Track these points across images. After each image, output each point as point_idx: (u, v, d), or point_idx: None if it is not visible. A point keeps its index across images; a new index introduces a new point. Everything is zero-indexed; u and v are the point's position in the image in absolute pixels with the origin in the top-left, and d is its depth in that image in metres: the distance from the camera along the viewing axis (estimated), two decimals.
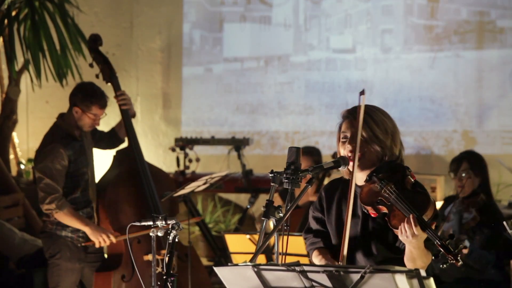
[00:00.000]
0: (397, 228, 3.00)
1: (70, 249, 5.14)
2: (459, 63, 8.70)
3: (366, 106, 3.20)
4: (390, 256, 3.12)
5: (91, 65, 5.54)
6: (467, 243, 5.18)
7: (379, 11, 8.89)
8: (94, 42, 5.54)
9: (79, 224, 5.08)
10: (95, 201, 5.32)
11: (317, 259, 3.25)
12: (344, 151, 3.19)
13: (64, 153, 5.06)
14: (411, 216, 2.94)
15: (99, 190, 5.33)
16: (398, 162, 3.19)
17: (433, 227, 3.00)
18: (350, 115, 3.23)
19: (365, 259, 3.14)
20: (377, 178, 3.12)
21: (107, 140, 5.53)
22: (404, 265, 3.07)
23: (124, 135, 5.58)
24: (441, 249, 2.91)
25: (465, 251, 5.19)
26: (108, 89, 5.36)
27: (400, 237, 2.97)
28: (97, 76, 5.46)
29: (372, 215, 3.12)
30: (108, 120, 5.34)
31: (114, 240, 5.11)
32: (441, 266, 2.98)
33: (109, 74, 5.49)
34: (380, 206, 3.08)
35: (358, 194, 3.18)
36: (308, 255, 3.34)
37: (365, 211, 3.14)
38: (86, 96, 5.13)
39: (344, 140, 3.20)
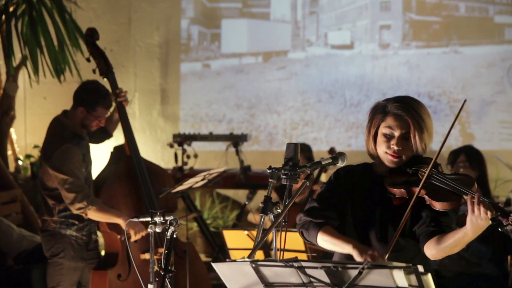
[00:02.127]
0: (444, 202, 2.97)
1: (74, 248, 5.10)
2: (457, 59, 8.70)
3: (416, 105, 3.11)
4: (405, 244, 3.10)
5: (88, 60, 5.50)
6: None
7: (377, 7, 8.89)
8: (91, 36, 5.48)
9: (113, 217, 5.02)
10: None
11: (326, 237, 3.10)
12: (387, 149, 3.11)
13: (80, 151, 5.05)
14: (476, 196, 2.84)
15: (96, 187, 5.30)
16: (425, 157, 3.15)
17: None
18: (402, 111, 3.09)
19: (380, 245, 3.11)
20: (408, 166, 3.11)
21: (97, 135, 5.46)
22: (418, 253, 3.07)
23: (113, 130, 5.54)
24: (499, 211, 2.83)
25: None
26: (104, 84, 5.34)
27: (470, 218, 2.87)
28: (93, 71, 5.43)
29: (395, 203, 3.09)
30: None
31: (144, 233, 5.05)
32: (500, 229, 2.87)
33: (106, 69, 5.43)
34: (414, 188, 3.02)
35: (378, 182, 3.14)
36: (305, 236, 3.18)
37: (391, 195, 3.09)
38: (91, 97, 5.07)
39: (389, 136, 3.11)
